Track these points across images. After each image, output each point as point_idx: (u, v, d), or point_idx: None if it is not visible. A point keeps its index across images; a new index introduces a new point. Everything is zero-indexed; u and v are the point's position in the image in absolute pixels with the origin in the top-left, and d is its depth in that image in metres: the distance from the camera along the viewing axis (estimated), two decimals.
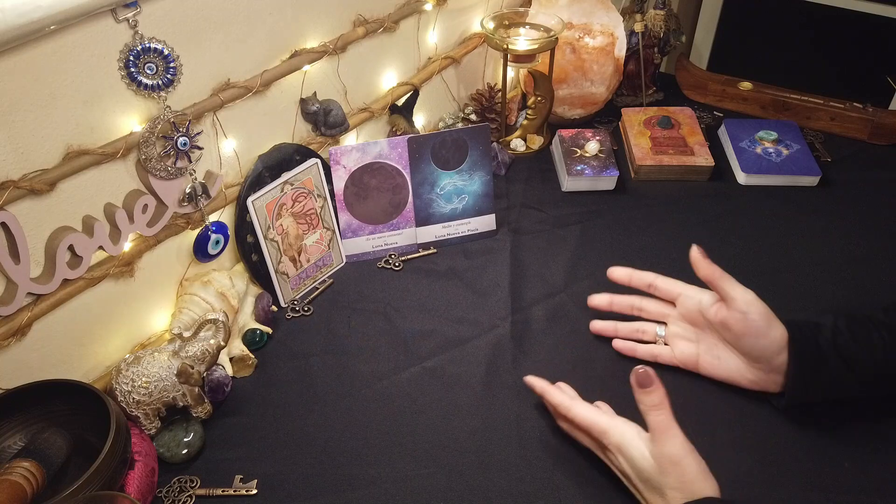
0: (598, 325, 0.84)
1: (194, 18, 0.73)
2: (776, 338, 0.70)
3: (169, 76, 0.71)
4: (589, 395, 0.77)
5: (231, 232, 0.86)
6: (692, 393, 0.77)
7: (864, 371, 0.69)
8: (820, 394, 0.71)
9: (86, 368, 0.76)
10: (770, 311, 0.71)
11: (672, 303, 0.80)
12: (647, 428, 0.63)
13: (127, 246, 0.74)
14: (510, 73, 1.17)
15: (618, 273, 0.82)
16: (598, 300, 0.84)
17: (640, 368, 0.63)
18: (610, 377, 0.79)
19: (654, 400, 0.61)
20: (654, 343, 0.81)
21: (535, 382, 0.74)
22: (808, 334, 0.70)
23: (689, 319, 0.78)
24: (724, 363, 0.75)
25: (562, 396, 0.71)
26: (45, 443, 0.63)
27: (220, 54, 0.77)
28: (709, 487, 0.59)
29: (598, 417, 0.67)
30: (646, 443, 0.63)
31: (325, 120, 0.93)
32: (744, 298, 0.71)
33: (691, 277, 0.92)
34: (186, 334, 0.72)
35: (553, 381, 0.79)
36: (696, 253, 0.74)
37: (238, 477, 0.70)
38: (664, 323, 0.81)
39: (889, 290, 0.90)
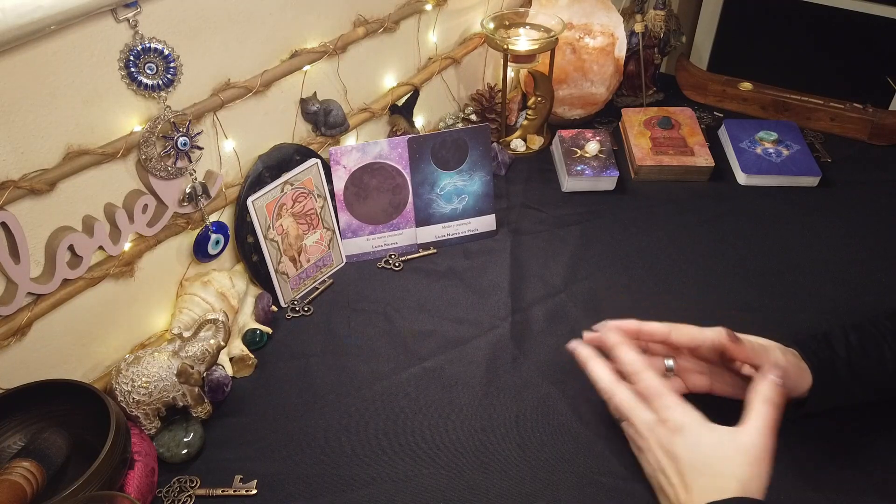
0: (599, 371, 0.71)
1: (194, 18, 0.73)
2: (803, 383, 0.68)
3: (169, 76, 0.71)
4: (590, 397, 0.77)
5: (231, 232, 0.87)
6: (692, 392, 0.76)
7: (875, 384, 0.69)
8: (829, 406, 0.71)
9: (86, 368, 0.76)
10: (801, 361, 0.68)
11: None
12: (749, 415, 0.61)
13: (127, 246, 0.74)
14: (510, 73, 1.17)
15: (609, 337, 0.70)
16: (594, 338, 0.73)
17: (778, 369, 0.62)
18: None
19: (777, 397, 0.60)
20: (664, 377, 0.74)
21: (610, 326, 0.70)
22: (825, 360, 0.69)
23: (704, 357, 0.73)
24: (737, 390, 0.72)
25: (632, 356, 0.67)
26: (45, 443, 0.63)
27: (221, 54, 0.77)
28: (760, 491, 0.58)
29: (666, 392, 0.64)
30: (726, 431, 0.61)
31: (326, 120, 0.93)
32: (778, 372, 0.66)
33: (691, 278, 0.93)
34: (186, 334, 0.72)
35: (555, 380, 0.79)
36: (724, 338, 0.66)
37: (238, 477, 0.70)
38: (672, 356, 0.74)
39: (889, 291, 0.90)
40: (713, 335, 0.68)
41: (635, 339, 0.72)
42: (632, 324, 0.72)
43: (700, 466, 0.59)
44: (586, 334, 0.75)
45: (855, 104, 1.21)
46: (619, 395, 0.66)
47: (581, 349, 0.72)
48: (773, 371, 0.62)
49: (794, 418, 0.72)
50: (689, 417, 0.62)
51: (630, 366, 0.67)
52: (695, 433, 0.60)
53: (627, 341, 0.69)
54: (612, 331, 0.70)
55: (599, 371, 0.69)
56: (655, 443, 0.63)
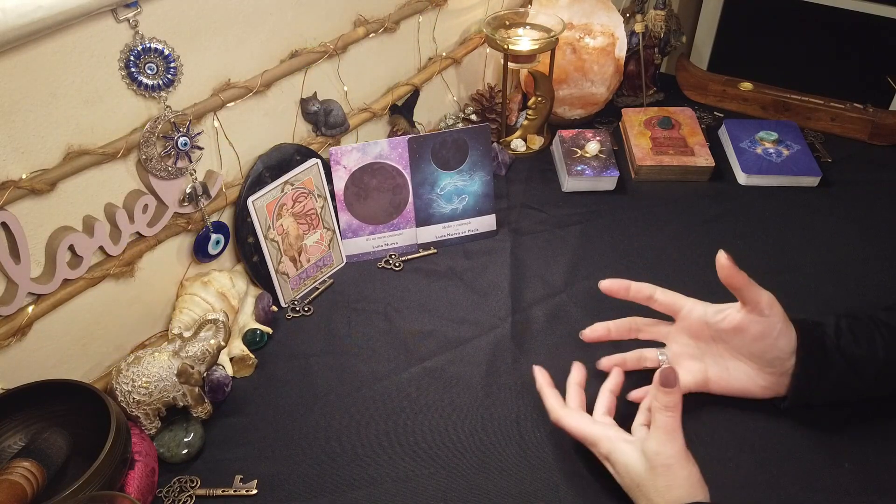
0: (605, 363, 0.79)
1: (195, 19, 0.73)
2: (791, 339, 0.70)
3: (169, 76, 0.71)
4: (589, 397, 0.77)
5: (231, 232, 0.87)
6: (692, 393, 0.76)
7: (867, 372, 0.69)
8: (823, 395, 0.71)
9: (86, 368, 0.76)
10: (784, 312, 0.70)
11: (670, 318, 0.77)
12: (651, 425, 0.63)
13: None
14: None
15: (614, 286, 0.77)
16: (597, 333, 0.79)
17: (667, 367, 0.63)
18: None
19: (670, 402, 0.62)
20: (658, 367, 0.77)
21: (539, 377, 0.74)
22: (814, 336, 0.70)
23: (691, 333, 0.76)
24: (733, 373, 0.74)
25: (553, 402, 0.71)
26: (45, 443, 0.63)
27: (221, 54, 0.77)
28: (697, 494, 0.59)
29: (586, 428, 0.68)
30: (639, 443, 0.64)
31: (326, 120, 0.93)
32: (767, 301, 0.69)
33: (691, 278, 0.93)
34: (186, 334, 0.72)
35: (555, 380, 0.79)
36: (724, 259, 0.70)
37: (238, 477, 0.70)
38: (663, 344, 0.79)
39: (889, 291, 0.90)
40: (725, 270, 0.70)
41: (625, 298, 0.77)
42: (622, 283, 0.77)
43: (634, 488, 0.63)
44: (594, 329, 0.79)
45: (855, 104, 1.21)
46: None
47: (539, 376, 0.75)
48: (660, 377, 0.63)
49: (787, 406, 0.72)
50: (610, 444, 0.65)
51: (553, 413, 0.71)
52: (620, 460, 0.64)
53: (551, 386, 0.73)
54: (541, 374, 0.74)
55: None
56: (611, 472, 0.67)
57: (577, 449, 0.72)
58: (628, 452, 0.64)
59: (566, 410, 0.70)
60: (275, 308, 0.89)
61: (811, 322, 0.71)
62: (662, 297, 0.76)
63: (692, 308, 0.75)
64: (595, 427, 0.68)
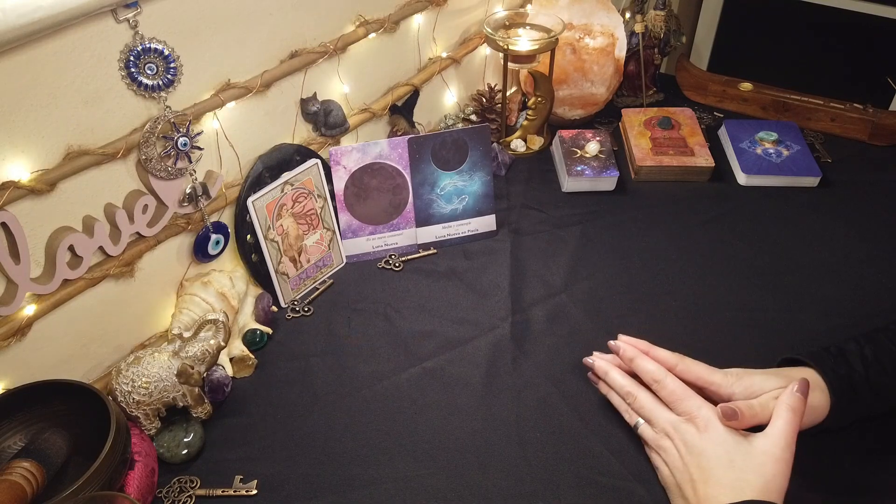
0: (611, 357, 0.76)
1: (195, 19, 0.73)
2: (821, 405, 0.68)
3: (169, 76, 0.71)
4: (590, 397, 0.77)
5: (231, 232, 0.87)
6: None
7: (892, 397, 0.69)
8: (847, 423, 0.70)
9: (86, 368, 0.76)
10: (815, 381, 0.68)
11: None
12: (773, 418, 0.62)
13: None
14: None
15: (628, 350, 0.73)
16: (599, 366, 0.75)
17: (804, 379, 0.64)
18: None
19: (799, 406, 0.62)
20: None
21: (625, 341, 0.74)
22: (844, 377, 0.68)
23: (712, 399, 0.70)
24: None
25: (653, 366, 0.70)
26: (45, 443, 0.63)
27: (221, 55, 0.77)
28: (780, 492, 0.59)
29: (693, 394, 0.67)
30: (749, 434, 0.63)
31: (326, 120, 0.93)
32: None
33: (691, 279, 0.93)
34: (186, 334, 0.72)
35: (555, 380, 0.79)
36: (719, 413, 0.65)
37: (238, 477, 0.70)
38: None
39: (889, 292, 0.90)
40: (720, 380, 0.69)
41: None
42: (642, 345, 0.74)
43: (726, 461, 0.61)
44: (598, 353, 0.77)
45: (855, 104, 1.21)
46: (642, 397, 0.70)
47: (600, 361, 0.76)
48: (799, 384, 0.64)
49: (813, 433, 0.71)
50: (717, 417, 0.64)
51: (652, 374, 0.70)
52: (722, 430, 0.63)
53: (643, 354, 0.72)
54: (629, 345, 0.74)
55: (620, 378, 0.73)
56: (680, 440, 0.65)
57: (577, 449, 0.72)
58: (729, 431, 0.62)
59: (687, 359, 0.70)
60: (275, 308, 0.89)
61: (835, 352, 0.70)
62: (685, 370, 0.70)
63: (721, 385, 0.69)
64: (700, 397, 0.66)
